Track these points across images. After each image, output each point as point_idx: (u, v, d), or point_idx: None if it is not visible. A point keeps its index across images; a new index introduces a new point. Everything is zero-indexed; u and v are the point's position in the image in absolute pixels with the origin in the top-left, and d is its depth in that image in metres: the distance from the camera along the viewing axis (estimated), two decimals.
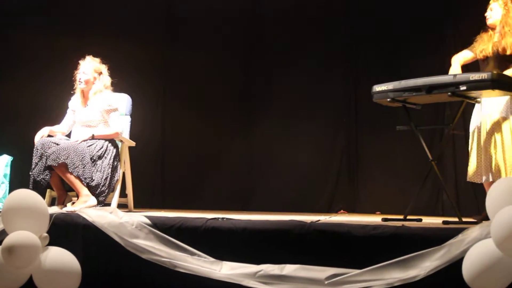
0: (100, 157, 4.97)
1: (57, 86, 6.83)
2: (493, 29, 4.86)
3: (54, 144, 4.83)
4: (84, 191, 4.77)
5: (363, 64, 7.02)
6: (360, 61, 7.05)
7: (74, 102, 5.29)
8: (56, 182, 4.95)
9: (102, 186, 4.92)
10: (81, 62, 5.23)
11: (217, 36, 7.27)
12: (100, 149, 4.99)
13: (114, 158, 5.08)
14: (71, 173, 4.73)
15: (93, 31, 7.14)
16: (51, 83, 6.86)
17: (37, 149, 4.83)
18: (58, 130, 5.25)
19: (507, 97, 4.67)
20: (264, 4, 7.33)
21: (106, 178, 4.95)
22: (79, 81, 5.19)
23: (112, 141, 5.16)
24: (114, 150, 5.12)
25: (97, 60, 5.25)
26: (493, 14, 4.84)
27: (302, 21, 7.15)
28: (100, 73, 5.23)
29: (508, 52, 4.70)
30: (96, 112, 5.15)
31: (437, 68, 6.41)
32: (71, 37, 7.07)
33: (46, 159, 4.73)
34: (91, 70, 5.19)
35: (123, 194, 5.43)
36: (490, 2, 4.88)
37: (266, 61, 7.22)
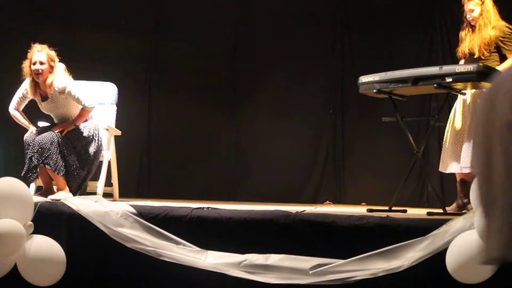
0: (85, 145, 4.92)
1: None
2: (472, 26, 4.90)
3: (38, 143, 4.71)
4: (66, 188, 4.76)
5: (349, 55, 7.02)
6: (346, 52, 7.05)
7: (29, 92, 4.92)
8: (44, 176, 4.88)
9: (81, 169, 4.86)
10: (33, 52, 4.81)
11: (203, 27, 7.24)
12: (85, 138, 4.94)
13: (97, 144, 5.03)
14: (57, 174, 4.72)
15: (80, 22, 7.10)
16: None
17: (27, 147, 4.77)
18: (19, 113, 5.01)
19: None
20: None
21: (86, 163, 4.90)
22: (36, 73, 4.78)
23: (94, 126, 5.04)
24: (97, 136, 5.04)
25: (46, 47, 4.86)
26: (474, 14, 4.88)
27: (288, 13, 7.13)
28: (54, 61, 4.86)
29: (491, 44, 4.73)
30: (59, 103, 4.90)
31: (425, 59, 6.46)
32: (57, 29, 7.01)
33: (31, 158, 4.68)
34: (47, 59, 4.82)
35: (108, 183, 5.42)
36: (464, 1, 4.90)
37: (252, 52, 7.20)
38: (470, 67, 4.24)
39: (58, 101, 4.90)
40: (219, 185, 7.08)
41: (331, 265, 3.60)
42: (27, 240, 3.66)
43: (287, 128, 6.99)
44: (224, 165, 7.18)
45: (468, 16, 4.87)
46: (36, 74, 4.79)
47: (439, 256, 3.44)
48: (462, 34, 4.94)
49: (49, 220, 3.97)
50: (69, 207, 4.02)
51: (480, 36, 4.77)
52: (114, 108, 5.62)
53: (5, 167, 6.36)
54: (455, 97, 4.83)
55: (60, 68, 4.91)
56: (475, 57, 4.75)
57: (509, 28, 4.74)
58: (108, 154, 5.30)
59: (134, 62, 7.24)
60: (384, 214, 3.97)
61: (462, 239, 3.37)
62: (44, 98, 4.90)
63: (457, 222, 3.51)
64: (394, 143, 6.50)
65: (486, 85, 4.37)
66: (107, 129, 5.30)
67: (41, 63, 4.79)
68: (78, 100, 4.88)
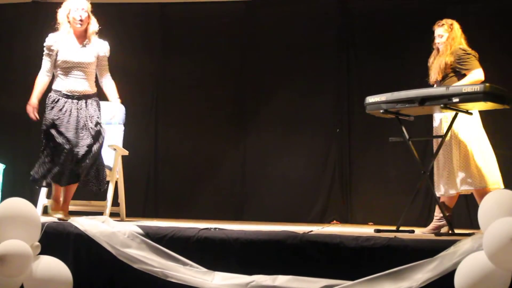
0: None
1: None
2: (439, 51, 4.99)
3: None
4: None
5: (356, 75, 7.03)
6: (353, 72, 7.06)
7: (59, 41, 4.86)
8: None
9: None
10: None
11: (210, 45, 7.27)
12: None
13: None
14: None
15: None
16: (45, 94, 6.85)
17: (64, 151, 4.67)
18: (43, 83, 4.90)
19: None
20: (258, 14, 7.34)
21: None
22: (79, 21, 4.81)
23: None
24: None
25: None
26: (443, 39, 4.94)
27: (295, 33, 7.16)
28: (91, 11, 4.93)
29: (447, 69, 4.83)
30: (92, 54, 4.91)
31: None
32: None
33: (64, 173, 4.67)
34: (88, 8, 4.87)
35: (115, 203, 5.43)
36: (435, 27, 4.98)
37: (259, 72, 7.22)
38: (477, 87, 4.26)
39: (92, 52, 4.90)
40: (226, 204, 7.06)
41: (338, 286, 3.57)
42: (34, 261, 3.65)
43: (294, 147, 6.99)
44: (231, 184, 7.17)
45: (437, 41, 4.97)
46: (79, 20, 4.81)
47: (448, 277, 3.41)
48: (430, 61, 5.03)
49: (56, 240, 3.98)
50: (76, 227, 4.03)
51: (438, 61, 4.86)
52: (122, 128, 5.63)
53: (14, 188, 6.37)
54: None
55: (94, 20, 4.93)
56: (439, 80, 4.85)
57: (462, 49, 4.84)
58: (115, 174, 5.31)
59: (141, 83, 7.27)
60: (391, 235, 3.95)
61: (471, 260, 3.35)
62: (79, 45, 4.88)
63: (465, 243, 3.49)
64: (401, 163, 6.49)
65: (492, 105, 4.38)
66: (115, 149, 5.32)
67: (83, 10, 4.83)
68: (106, 64, 4.96)
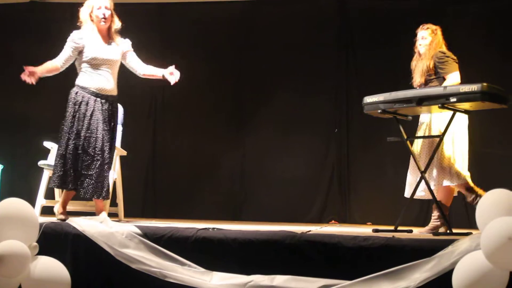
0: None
1: (47, 95, 6.85)
2: (420, 55, 5.02)
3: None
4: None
5: (354, 75, 7.04)
6: (351, 73, 7.07)
7: (84, 38, 4.83)
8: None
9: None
10: None
11: (209, 45, 7.28)
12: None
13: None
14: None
15: None
16: (42, 93, 6.85)
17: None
18: (52, 65, 4.85)
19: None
20: (256, 14, 7.34)
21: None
22: (102, 19, 4.81)
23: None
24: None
25: None
26: (425, 42, 4.96)
27: (294, 31, 7.16)
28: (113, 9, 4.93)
29: (428, 72, 4.87)
30: (118, 52, 4.93)
31: None
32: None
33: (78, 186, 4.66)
34: (110, 5, 4.88)
35: (113, 203, 5.42)
36: (419, 30, 5.00)
37: (257, 71, 7.23)
38: (474, 87, 4.26)
39: (117, 50, 4.91)
40: (224, 204, 7.07)
41: (337, 286, 3.57)
42: (32, 262, 3.64)
43: (292, 147, 6.99)
44: (229, 184, 7.18)
45: (419, 43, 4.99)
46: (102, 18, 4.81)
47: (445, 277, 3.41)
48: (413, 64, 5.04)
49: (54, 241, 3.97)
50: (74, 227, 4.03)
51: (420, 64, 4.88)
52: (120, 128, 5.63)
53: (10, 186, 6.37)
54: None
55: (116, 18, 4.93)
56: (423, 84, 4.89)
57: (441, 52, 4.89)
58: (114, 174, 5.30)
59: (139, 83, 7.25)
60: (389, 235, 3.95)
61: (468, 260, 3.35)
62: (105, 43, 4.88)
63: (463, 243, 3.50)
64: (399, 162, 6.47)
65: (489, 104, 4.39)
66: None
67: (106, 8, 4.82)
68: (133, 51, 4.99)
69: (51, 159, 5.48)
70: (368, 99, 4.77)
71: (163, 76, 5.00)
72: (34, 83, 4.75)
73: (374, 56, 6.92)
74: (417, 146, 4.89)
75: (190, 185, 7.12)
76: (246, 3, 7.32)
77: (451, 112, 4.52)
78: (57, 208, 4.78)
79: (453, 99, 4.32)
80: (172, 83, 4.96)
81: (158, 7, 7.47)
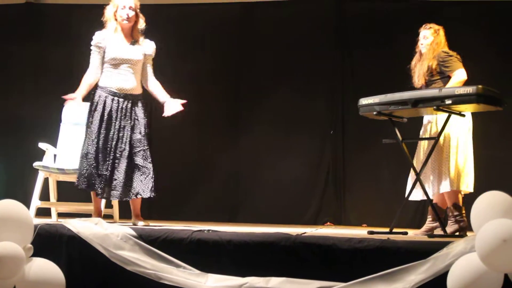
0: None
1: (43, 97, 6.84)
2: (421, 55, 5.00)
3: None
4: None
5: (351, 77, 7.03)
6: (347, 74, 7.06)
7: (107, 38, 4.87)
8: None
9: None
10: None
11: (205, 46, 7.27)
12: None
13: None
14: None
15: (79, 41, 7.14)
16: (37, 94, 6.86)
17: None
18: (90, 83, 4.85)
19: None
20: (253, 16, 7.34)
21: None
22: (126, 19, 4.84)
23: None
24: None
25: None
26: (427, 42, 4.95)
27: (291, 33, 7.16)
28: (138, 9, 4.95)
29: (433, 72, 4.84)
30: (140, 52, 4.92)
31: None
32: (59, 50, 7.05)
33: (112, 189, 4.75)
34: (135, 6, 4.89)
35: (108, 204, 5.41)
36: (421, 29, 4.99)
37: (253, 73, 7.22)
38: (470, 89, 4.27)
39: (140, 50, 4.91)
40: (219, 206, 7.06)
41: None
42: (26, 263, 3.64)
43: (287, 149, 6.98)
44: (225, 186, 7.16)
45: (421, 42, 4.97)
46: (125, 18, 4.83)
47: (440, 279, 3.42)
48: (412, 63, 5.02)
49: (49, 242, 3.97)
50: (69, 229, 4.02)
51: (421, 65, 4.88)
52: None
53: (5, 188, 6.36)
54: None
55: (142, 19, 4.95)
56: (424, 85, 4.87)
57: (444, 51, 4.86)
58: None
59: None
60: (384, 237, 3.96)
61: (463, 262, 3.35)
62: (127, 43, 4.90)
63: (458, 245, 3.50)
64: (394, 164, 6.49)
65: (485, 107, 4.39)
66: None
67: (131, 8, 4.84)
68: (151, 65, 4.97)
69: (46, 160, 5.48)
70: (364, 101, 4.77)
71: (163, 104, 5.00)
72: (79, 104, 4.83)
73: (370, 57, 6.92)
74: (424, 146, 4.87)
75: (185, 186, 7.11)
76: (243, 4, 7.31)
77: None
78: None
79: (448, 101, 4.32)
80: (164, 115, 4.97)
81: (155, 8, 7.46)
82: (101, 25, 5.15)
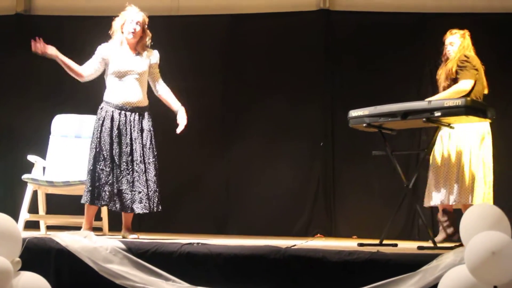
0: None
1: (32, 108, 6.81)
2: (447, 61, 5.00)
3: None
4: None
5: (340, 88, 7.05)
6: (337, 86, 7.08)
7: (111, 50, 4.93)
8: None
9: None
10: (131, 11, 4.92)
11: (195, 56, 7.26)
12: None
13: None
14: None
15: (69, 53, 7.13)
16: (26, 105, 6.82)
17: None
18: (76, 67, 4.92)
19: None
20: (243, 26, 7.35)
21: None
22: (131, 33, 4.89)
23: None
24: None
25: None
26: (454, 48, 4.97)
27: (280, 44, 7.17)
28: (146, 25, 4.99)
29: (451, 76, 4.85)
30: (145, 63, 4.95)
31: (416, 93, 6.50)
32: (48, 61, 7.02)
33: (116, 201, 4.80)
34: (142, 21, 4.93)
35: (98, 217, 5.39)
36: (447, 36, 5.00)
37: (243, 83, 7.22)
38: (458, 102, 4.29)
39: (145, 61, 4.94)
40: (209, 218, 7.03)
41: None
42: (14, 277, 3.60)
43: (277, 161, 6.98)
44: (214, 198, 7.14)
45: (448, 49, 4.97)
46: (131, 32, 4.86)
47: None
48: (438, 73, 5.03)
49: (37, 256, 3.93)
50: (57, 243, 3.99)
51: (446, 65, 4.89)
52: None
53: None
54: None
55: (148, 34, 4.99)
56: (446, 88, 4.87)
57: (465, 55, 4.86)
58: None
59: None
60: (374, 249, 3.95)
61: (453, 274, 3.35)
62: (133, 54, 4.93)
63: (447, 257, 3.50)
64: (384, 176, 6.50)
65: (474, 119, 4.42)
66: None
67: (138, 23, 4.88)
68: (157, 68, 5.03)
69: (35, 173, 5.45)
70: (353, 113, 4.78)
71: (177, 113, 5.09)
72: (39, 52, 4.88)
73: (360, 69, 6.94)
74: (438, 156, 4.91)
75: (175, 199, 7.07)
76: (234, 16, 7.32)
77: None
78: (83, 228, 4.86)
79: (437, 113, 4.34)
80: (177, 131, 5.07)
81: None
82: (92, 37, 5.16)
